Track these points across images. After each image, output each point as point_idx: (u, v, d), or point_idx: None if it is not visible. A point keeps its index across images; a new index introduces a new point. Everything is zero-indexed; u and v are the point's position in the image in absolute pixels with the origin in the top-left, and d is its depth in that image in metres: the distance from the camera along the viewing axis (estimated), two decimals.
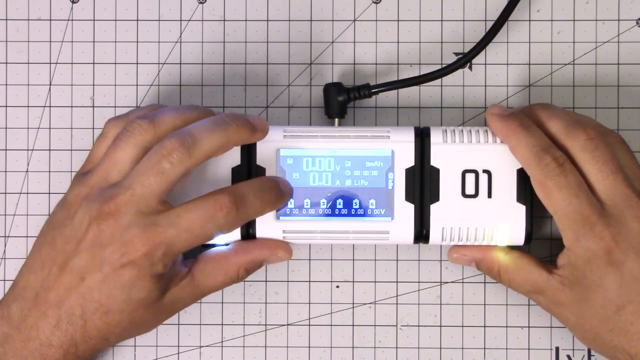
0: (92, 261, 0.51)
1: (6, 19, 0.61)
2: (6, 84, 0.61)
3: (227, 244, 0.56)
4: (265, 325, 0.60)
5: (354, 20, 0.61)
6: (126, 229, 0.51)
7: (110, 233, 0.51)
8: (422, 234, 0.56)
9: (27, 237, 0.60)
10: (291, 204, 0.56)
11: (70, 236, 0.52)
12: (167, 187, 0.51)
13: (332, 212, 0.56)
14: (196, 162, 0.52)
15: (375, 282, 0.60)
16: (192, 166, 0.52)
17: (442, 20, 0.60)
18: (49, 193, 0.60)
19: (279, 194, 0.54)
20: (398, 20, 0.60)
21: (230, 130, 0.53)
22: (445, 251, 0.60)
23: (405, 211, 0.56)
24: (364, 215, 0.56)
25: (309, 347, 0.60)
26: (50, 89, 0.61)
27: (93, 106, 0.61)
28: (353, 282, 0.60)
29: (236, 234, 0.56)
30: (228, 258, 0.55)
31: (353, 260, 0.60)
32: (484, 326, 0.60)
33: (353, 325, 0.60)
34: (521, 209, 0.55)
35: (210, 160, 0.55)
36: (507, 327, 0.60)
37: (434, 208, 0.55)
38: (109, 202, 0.51)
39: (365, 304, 0.60)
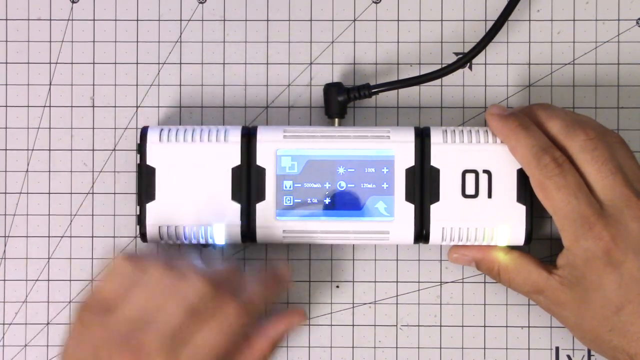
0: None
1: (6, 19, 0.61)
2: (6, 84, 0.61)
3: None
4: None
5: (354, 20, 0.61)
6: None
7: None
8: (422, 234, 0.56)
9: (27, 237, 0.60)
10: (290, 202, 0.56)
11: None
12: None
13: (332, 212, 0.56)
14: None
15: (375, 282, 0.60)
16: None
17: (442, 20, 0.60)
18: (49, 193, 0.60)
19: (277, 284, 0.56)
20: (398, 20, 0.60)
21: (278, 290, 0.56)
22: (445, 251, 0.60)
23: (405, 211, 0.56)
24: (364, 215, 0.56)
25: (309, 347, 0.60)
26: (50, 89, 0.61)
27: (93, 106, 0.61)
28: (353, 282, 0.60)
29: (236, 235, 0.56)
30: (251, 351, 0.54)
31: (353, 260, 0.60)
32: (484, 326, 0.60)
33: (353, 325, 0.60)
34: (521, 209, 0.55)
35: (210, 160, 0.55)
36: (507, 327, 0.60)
37: (434, 208, 0.55)
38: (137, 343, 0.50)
39: (365, 304, 0.60)
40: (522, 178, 0.55)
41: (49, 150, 0.61)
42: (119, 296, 0.52)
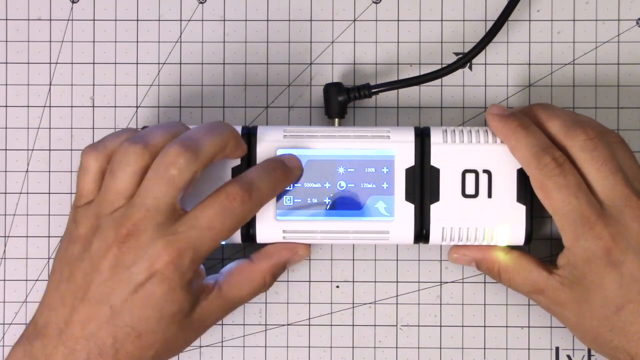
0: (119, 286, 0.50)
1: (6, 19, 0.61)
2: (6, 84, 0.61)
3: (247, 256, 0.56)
4: (265, 325, 0.60)
5: (354, 20, 0.61)
6: (149, 245, 0.50)
7: (133, 253, 0.50)
8: (422, 234, 0.56)
9: (27, 237, 0.60)
10: (290, 201, 0.56)
11: (90, 267, 0.51)
12: (178, 194, 0.51)
13: (332, 212, 0.56)
14: (203, 164, 0.51)
15: (375, 282, 0.60)
16: (199, 169, 0.51)
17: (442, 20, 0.60)
18: (49, 193, 0.60)
19: (286, 170, 0.54)
20: (398, 20, 0.60)
21: (225, 132, 0.53)
22: (445, 251, 0.60)
23: (406, 211, 0.56)
24: (364, 215, 0.56)
25: (309, 347, 0.60)
26: (50, 89, 0.61)
27: (93, 106, 0.61)
28: (353, 282, 0.60)
29: (236, 236, 0.56)
30: (251, 266, 0.55)
31: (353, 260, 0.60)
32: (484, 326, 0.60)
33: (353, 325, 0.60)
34: (521, 209, 0.55)
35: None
36: (507, 327, 0.60)
37: (434, 208, 0.55)
38: (125, 224, 0.50)
39: (365, 304, 0.60)
40: (522, 178, 0.55)
41: (49, 150, 0.61)
42: (98, 187, 0.52)
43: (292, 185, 0.56)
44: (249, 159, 0.56)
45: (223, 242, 0.58)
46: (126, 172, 0.51)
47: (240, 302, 0.55)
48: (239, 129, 0.56)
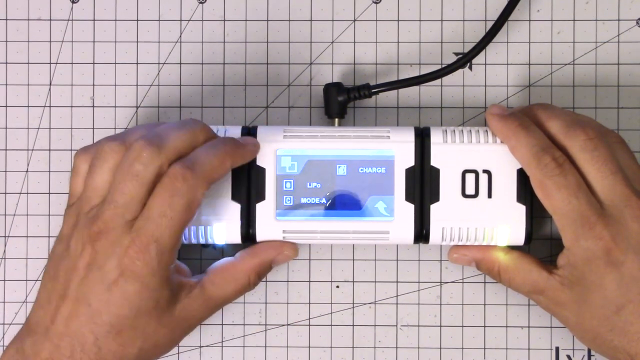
0: (94, 284, 0.51)
1: (6, 19, 0.61)
2: (6, 84, 0.61)
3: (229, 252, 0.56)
4: (265, 325, 0.60)
5: (354, 20, 0.61)
6: (118, 242, 0.51)
7: (104, 251, 0.51)
8: (422, 234, 0.56)
9: (27, 237, 0.60)
10: (290, 202, 0.56)
11: (69, 266, 0.52)
12: (145, 189, 0.51)
13: (332, 212, 0.56)
14: (167, 158, 0.51)
15: (375, 282, 0.60)
16: (164, 163, 0.51)
17: (442, 20, 0.60)
18: (49, 193, 0.60)
19: (235, 144, 0.54)
20: (398, 20, 0.60)
21: (193, 127, 0.53)
22: (445, 251, 0.60)
23: (405, 211, 0.56)
24: (364, 215, 0.56)
25: (309, 347, 0.60)
26: (50, 89, 0.61)
27: (93, 106, 0.61)
28: (353, 282, 0.60)
29: (236, 235, 0.56)
30: (235, 265, 0.55)
31: (353, 260, 0.60)
32: (484, 326, 0.60)
33: (353, 325, 0.60)
34: (521, 209, 0.55)
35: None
36: (507, 327, 0.60)
37: (434, 208, 0.55)
38: (97, 222, 0.51)
39: (365, 304, 0.60)
40: (522, 178, 0.55)
41: (49, 150, 0.61)
42: (85, 193, 0.53)
43: (292, 185, 0.56)
44: None
45: (223, 244, 0.58)
46: (102, 169, 0.52)
47: (224, 301, 0.55)
48: (239, 129, 0.56)
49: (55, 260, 0.53)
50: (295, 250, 0.56)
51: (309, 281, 0.60)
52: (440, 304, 0.60)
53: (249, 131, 0.56)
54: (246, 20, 0.61)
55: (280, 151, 0.56)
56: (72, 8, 0.61)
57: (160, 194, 0.51)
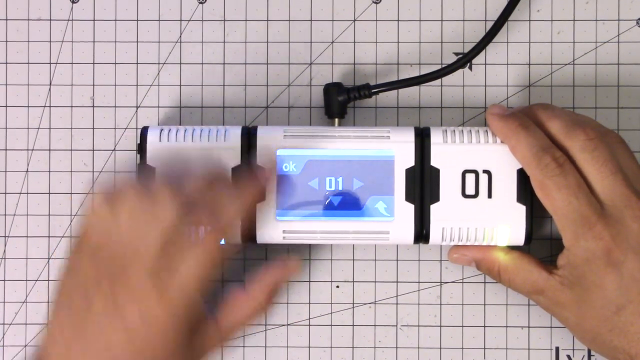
0: (112, 327, 0.50)
1: (6, 19, 0.61)
2: (6, 84, 0.61)
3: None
4: (265, 325, 0.60)
5: (354, 20, 0.61)
6: (141, 291, 0.50)
7: (124, 294, 0.50)
8: (422, 234, 0.56)
9: (27, 237, 0.60)
10: (290, 202, 0.56)
11: (86, 304, 0.50)
12: (168, 239, 0.50)
13: (332, 212, 0.56)
14: (189, 208, 0.51)
15: (375, 282, 0.60)
16: (187, 213, 0.51)
17: (442, 20, 0.60)
18: (49, 193, 0.60)
19: (251, 186, 0.53)
20: (398, 20, 0.60)
21: (215, 176, 0.53)
22: (445, 251, 0.60)
23: (406, 211, 0.56)
24: (364, 215, 0.56)
25: (309, 347, 0.60)
26: (50, 89, 0.61)
27: (93, 106, 0.61)
28: (353, 282, 0.60)
29: (237, 236, 0.56)
30: (246, 295, 0.54)
31: (353, 260, 0.60)
32: (484, 326, 0.60)
33: (353, 325, 0.60)
34: (521, 209, 0.55)
35: (210, 160, 0.55)
36: (507, 327, 0.60)
37: (434, 208, 0.55)
38: (120, 269, 0.50)
39: (365, 304, 0.60)
40: (522, 178, 0.55)
41: (49, 150, 0.61)
42: (103, 234, 0.51)
43: (292, 185, 0.56)
44: (249, 159, 0.56)
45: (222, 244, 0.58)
46: (125, 215, 0.50)
47: (239, 330, 0.55)
48: (239, 129, 0.56)
49: (70, 291, 0.51)
50: (299, 263, 0.56)
51: (309, 281, 0.60)
52: (440, 304, 0.60)
53: (249, 131, 0.56)
54: (246, 20, 0.61)
55: (280, 151, 0.56)
56: (72, 8, 0.61)
57: (184, 246, 0.50)
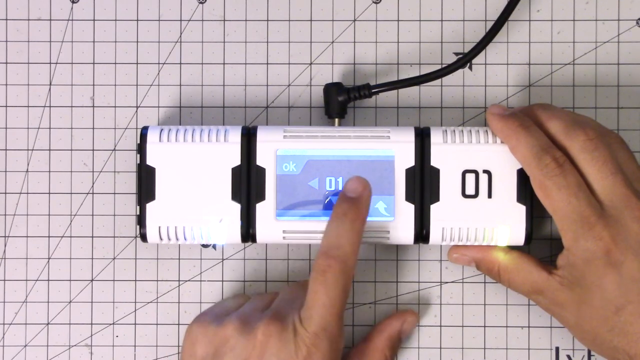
0: None
1: (6, 19, 0.61)
2: (6, 84, 0.61)
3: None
4: None
5: (354, 20, 0.61)
6: (286, 347, 0.52)
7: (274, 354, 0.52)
8: (422, 234, 0.56)
9: (27, 237, 0.60)
10: (290, 202, 0.56)
11: None
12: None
13: None
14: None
15: (375, 282, 0.60)
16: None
17: (442, 20, 0.60)
18: (49, 193, 0.60)
19: (355, 207, 0.54)
20: (398, 20, 0.60)
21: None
22: (445, 251, 0.60)
23: (406, 211, 0.56)
24: None
25: None
26: (50, 89, 0.61)
27: (93, 106, 0.61)
28: (353, 282, 0.60)
29: (236, 236, 0.56)
30: (369, 346, 0.57)
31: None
32: (484, 326, 0.60)
33: (353, 325, 0.60)
34: (521, 209, 0.55)
35: (210, 160, 0.56)
36: (507, 327, 0.60)
37: (434, 208, 0.56)
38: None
39: (365, 304, 0.60)
40: (522, 178, 0.55)
41: (49, 150, 0.61)
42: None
43: (292, 185, 0.56)
44: (248, 159, 0.56)
45: (223, 244, 0.58)
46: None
47: None
48: (239, 129, 0.56)
49: None
50: (417, 316, 0.58)
51: None
52: (440, 304, 0.60)
53: (249, 131, 0.56)
54: (246, 20, 0.61)
55: (280, 151, 0.56)
56: (72, 8, 0.61)
57: (315, 289, 0.52)
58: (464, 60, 0.58)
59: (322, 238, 0.53)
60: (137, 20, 0.61)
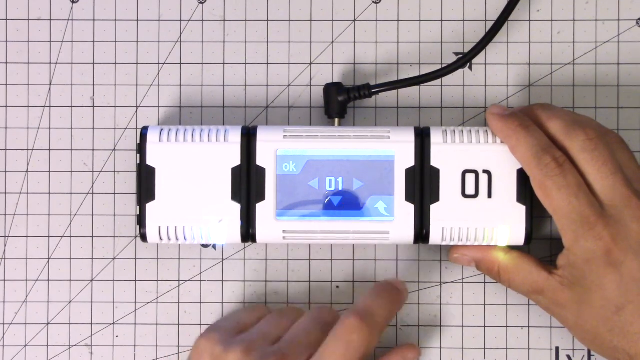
0: None
1: (6, 19, 0.61)
2: (6, 84, 0.61)
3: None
4: None
5: (354, 20, 0.61)
6: None
7: None
8: (422, 234, 0.56)
9: (27, 237, 0.60)
10: (290, 201, 0.56)
11: None
12: None
13: (332, 212, 0.56)
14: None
15: (375, 282, 0.60)
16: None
17: (442, 20, 0.60)
18: (49, 193, 0.60)
19: (395, 291, 0.54)
20: (398, 20, 0.60)
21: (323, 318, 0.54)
22: (445, 251, 0.60)
23: (406, 211, 0.56)
24: (363, 215, 0.56)
25: None
26: (50, 89, 0.61)
27: (93, 106, 0.61)
28: (353, 282, 0.60)
29: (236, 236, 0.56)
30: None
31: (353, 260, 0.60)
32: (484, 326, 0.60)
33: None
34: (521, 209, 0.55)
35: (210, 160, 0.56)
36: (507, 327, 0.60)
37: (434, 208, 0.55)
38: None
39: None
40: (522, 178, 0.55)
41: (49, 150, 0.61)
42: None
43: (292, 185, 0.56)
44: (248, 159, 0.56)
45: (223, 244, 0.58)
46: None
47: None
48: (239, 129, 0.56)
49: None
50: (417, 350, 0.56)
51: (309, 281, 0.60)
52: (440, 304, 0.60)
53: (249, 131, 0.56)
54: (246, 20, 0.61)
55: (280, 151, 0.56)
56: (72, 8, 0.61)
57: (335, 344, 0.51)
58: (464, 60, 0.58)
59: (358, 301, 0.53)
60: (137, 20, 0.61)
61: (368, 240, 0.56)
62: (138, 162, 0.56)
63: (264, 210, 0.56)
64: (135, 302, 0.60)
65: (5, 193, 0.61)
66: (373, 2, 0.61)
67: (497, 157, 0.55)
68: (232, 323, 0.56)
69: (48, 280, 0.60)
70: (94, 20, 0.61)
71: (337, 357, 0.51)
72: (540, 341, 0.60)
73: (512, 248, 0.56)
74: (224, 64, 0.61)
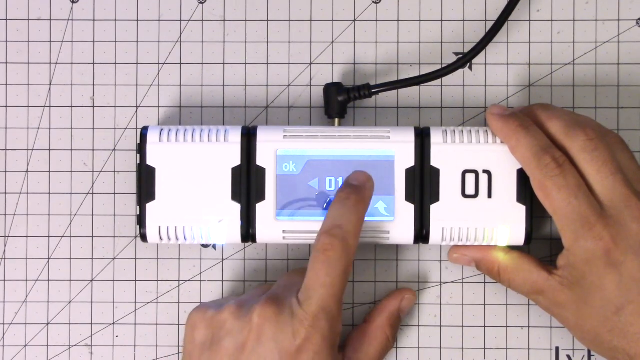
0: (272, 355, 0.52)
1: (6, 19, 0.61)
2: (6, 84, 0.61)
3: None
4: None
5: (354, 20, 0.61)
6: (286, 321, 0.52)
7: (275, 329, 0.52)
8: (422, 234, 0.56)
9: (27, 237, 0.60)
10: (290, 202, 0.56)
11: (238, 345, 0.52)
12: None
13: None
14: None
15: (375, 282, 0.60)
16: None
17: (442, 20, 0.60)
18: (49, 193, 0.60)
19: (358, 192, 0.54)
20: (398, 20, 0.60)
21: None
22: (445, 251, 0.60)
23: (406, 211, 0.56)
24: None
25: None
26: (50, 89, 0.61)
27: (93, 106, 0.61)
28: (353, 282, 0.60)
29: (236, 236, 0.56)
30: (369, 327, 0.57)
31: (353, 260, 0.60)
32: (484, 326, 0.60)
33: (353, 325, 0.60)
34: (521, 209, 0.55)
35: (210, 160, 0.56)
36: (507, 327, 0.60)
37: (434, 208, 0.56)
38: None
39: (365, 304, 0.60)
40: (522, 178, 0.55)
41: (49, 150, 0.61)
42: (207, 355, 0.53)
43: (292, 185, 0.56)
44: (248, 159, 0.56)
45: (223, 244, 0.58)
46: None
47: None
48: (239, 128, 0.56)
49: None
50: (414, 293, 0.58)
51: None
52: (440, 304, 0.60)
53: (249, 131, 0.56)
54: (246, 20, 0.61)
55: (280, 151, 0.56)
56: (72, 8, 0.61)
57: (316, 268, 0.51)
58: (464, 60, 0.58)
59: (323, 220, 0.53)
60: (137, 20, 0.61)
61: (368, 240, 0.56)
62: (138, 162, 0.56)
63: (264, 210, 0.56)
64: (135, 302, 0.60)
65: (5, 193, 0.61)
66: (373, 2, 0.61)
67: (497, 157, 0.55)
68: (221, 300, 0.57)
69: (48, 280, 0.60)
70: (94, 20, 0.61)
71: (321, 277, 0.51)
72: (540, 341, 0.60)
73: (512, 248, 0.56)
74: (224, 64, 0.61)
